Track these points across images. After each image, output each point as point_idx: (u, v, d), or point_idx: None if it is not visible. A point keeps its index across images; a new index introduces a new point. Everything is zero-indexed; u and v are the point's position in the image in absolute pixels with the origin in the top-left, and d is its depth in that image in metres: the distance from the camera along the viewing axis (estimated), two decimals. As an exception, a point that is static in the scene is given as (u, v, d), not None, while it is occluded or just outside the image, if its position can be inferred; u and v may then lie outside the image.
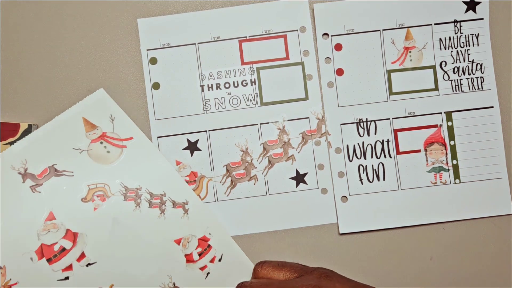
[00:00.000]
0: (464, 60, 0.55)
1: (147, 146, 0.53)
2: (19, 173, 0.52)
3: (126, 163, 0.53)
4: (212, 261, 0.53)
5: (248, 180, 0.54)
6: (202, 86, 0.55)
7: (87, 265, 0.52)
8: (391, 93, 0.55)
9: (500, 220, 0.55)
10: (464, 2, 0.55)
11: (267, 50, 0.55)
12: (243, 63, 0.55)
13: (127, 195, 0.53)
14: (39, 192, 0.52)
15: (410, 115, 0.55)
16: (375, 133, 0.55)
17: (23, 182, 0.52)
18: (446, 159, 0.55)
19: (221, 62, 0.55)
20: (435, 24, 0.55)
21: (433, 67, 0.55)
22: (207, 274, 0.53)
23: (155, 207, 0.53)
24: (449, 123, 0.55)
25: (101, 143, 0.53)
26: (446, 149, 0.55)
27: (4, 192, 0.52)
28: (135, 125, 0.54)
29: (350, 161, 0.55)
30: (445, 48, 0.55)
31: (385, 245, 0.55)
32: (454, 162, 0.55)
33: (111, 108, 0.54)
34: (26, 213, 0.52)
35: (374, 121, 0.55)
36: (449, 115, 0.55)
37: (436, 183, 0.55)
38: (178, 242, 0.53)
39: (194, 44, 0.55)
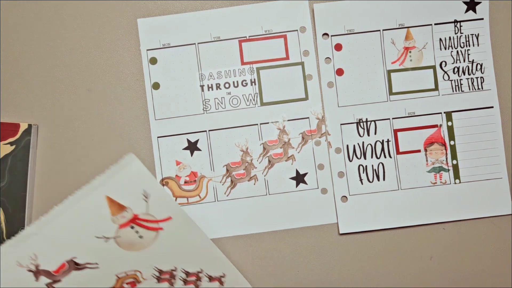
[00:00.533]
0: (464, 60, 0.55)
1: (187, 225, 0.46)
2: (30, 271, 0.45)
3: (161, 246, 0.46)
4: None
5: (248, 180, 0.54)
6: (202, 86, 0.55)
7: None
8: (391, 93, 0.55)
9: (500, 220, 0.55)
10: (464, 2, 0.55)
11: (267, 50, 0.55)
12: (243, 63, 0.55)
13: (161, 278, 0.47)
14: None
15: (410, 115, 0.55)
16: (375, 133, 0.55)
17: (36, 281, 0.45)
18: (446, 159, 0.55)
19: (221, 62, 0.55)
20: (435, 24, 0.55)
21: (433, 67, 0.55)
22: None
23: (190, 284, 0.48)
24: (449, 123, 0.55)
25: (132, 227, 0.46)
26: (446, 149, 0.55)
27: None
28: (174, 200, 0.47)
29: (350, 161, 0.55)
30: (445, 48, 0.55)
31: (385, 245, 0.55)
32: (454, 162, 0.55)
33: (144, 181, 0.45)
34: None
35: (374, 121, 0.55)
36: (449, 115, 0.55)
37: (436, 183, 0.55)
38: None
39: (194, 44, 0.55)
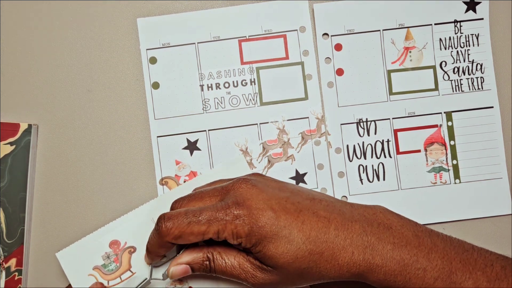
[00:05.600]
0: (464, 60, 0.55)
1: None
2: None
3: None
4: None
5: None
6: (201, 86, 0.55)
7: None
8: (391, 93, 0.55)
9: (500, 220, 0.55)
10: (464, 2, 0.55)
11: (267, 50, 0.55)
12: (242, 62, 0.55)
13: None
14: None
15: (410, 115, 0.55)
16: (375, 133, 0.55)
17: None
18: (446, 159, 0.55)
19: (220, 62, 0.55)
20: (435, 24, 0.55)
21: (433, 67, 0.55)
22: None
23: None
24: (449, 123, 0.55)
25: None
26: (446, 149, 0.55)
27: (143, 244, 0.49)
28: None
29: (350, 161, 0.55)
30: (445, 48, 0.55)
31: (385, 245, 0.55)
32: (454, 162, 0.55)
33: None
34: None
35: (374, 121, 0.55)
36: (449, 115, 0.55)
37: (436, 183, 0.55)
38: None
39: (194, 43, 0.55)
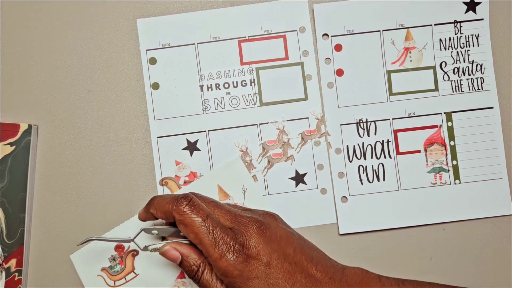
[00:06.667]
0: (464, 61, 0.55)
1: None
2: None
3: None
4: None
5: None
6: (201, 86, 0.55)
7: None
8: (391, 93, 0.55)
9: (500, 220, 0.55)
10: (464, 3, 0.55)
11: (267, 50, 0.55)
12: (242, 63, 0.55)
13: None
14: None
15: (410, 115, 0.55)
16: (375, 134, 0.55)
17: (162, 240, 0.52)
18: (446, 159, 0.55)
19: (220, 62, 0.55)
20: (435, 24, 0.55)
21: (433, 67, 0.55)
22: None
23: None
24: (449, 124, 0.55)
25: None
26: (446, 150, 0.55)
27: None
28: (262, 195, 0.54)
29: (350, 161, 0.55)
30: (445, 49, 0.55)
31: (385, 245, 0.55)
32: (454, 162, 0.55)
33: (243, 178, 0.55)
34: None
35: (374, 121, 0.55)
36: (449, 116, 0.55)
37: (436, 183, 0.55)
38: None
39: (194, 44, 0.55)
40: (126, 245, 0.53)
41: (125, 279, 0.53)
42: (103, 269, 0.53)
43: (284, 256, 0.45)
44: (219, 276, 0.44)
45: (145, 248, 0.48)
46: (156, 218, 0.48)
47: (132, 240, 0.49)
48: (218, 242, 0.43)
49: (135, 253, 0.53)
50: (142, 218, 0.49)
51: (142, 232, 0.48)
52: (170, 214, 0.45)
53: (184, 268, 0.46)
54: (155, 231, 0.48)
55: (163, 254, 0.46)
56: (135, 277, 0.53)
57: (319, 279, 0.45)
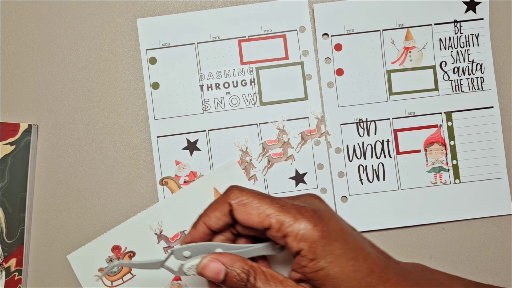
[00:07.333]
0: (464, 60, 0.55)
1: None
2: (155, 234, 0.53)
3: None
4: None
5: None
6: (201, 86, 0.55)
7: None
8: (391, 93, 0.55)
9: (500, 220, 0.55)
10: (464, 2, 0.55)
11: (267, 50, 0.55)
12: (242, 63, 0.55)
13: None
14: None
15: (410, 115, 0.55)
16: (375, 133, 0.55)
17: (157, 243, 0.53)
18: (446, 159, 0.55)
19: (220, 62, 0.55)
20: (435, 24, 0.55)
21: (433, 67, 0.55)
22: None
23: None
24: (449, 123, 0.55)
25: None
26: (446, 149, 0.55)
27: (141, 249, 0.53)
28: None
29: (350, 161, 0.55)
30: (445, 48, 0.55)
31: (385, 245, 0.55)
32: (454, 162, 0.55)
33: (239, 181, 0.54)
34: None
35: (374, 121, 0.55)
36: (449, 115, 0.55)
37: (436, 183, 0.55)
38: None
39: (194, 44, 0.55)
40: (123, 246, 0.53)
41: (122, 279, 0.53)
42: (100, 270, 0.53)
43: (348, 230, 0.39)
44: (295, 248, 0.37)
45: (180, 270, 0.42)
46: (207, 239, 0.42)
47: (162, 264, 0.43)
48: (285, 206, 0.38)
49: (131, 254, 0.53)
50: (188, 240, 0.43)
51: (172, 255, 0.43)
52: (225, 209, 0.39)
53: (231, 280, 0.39)
54: (186, 252, 0.42)
55: (203, 269, 0.39)
56: (132, 277, 0.53)
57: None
